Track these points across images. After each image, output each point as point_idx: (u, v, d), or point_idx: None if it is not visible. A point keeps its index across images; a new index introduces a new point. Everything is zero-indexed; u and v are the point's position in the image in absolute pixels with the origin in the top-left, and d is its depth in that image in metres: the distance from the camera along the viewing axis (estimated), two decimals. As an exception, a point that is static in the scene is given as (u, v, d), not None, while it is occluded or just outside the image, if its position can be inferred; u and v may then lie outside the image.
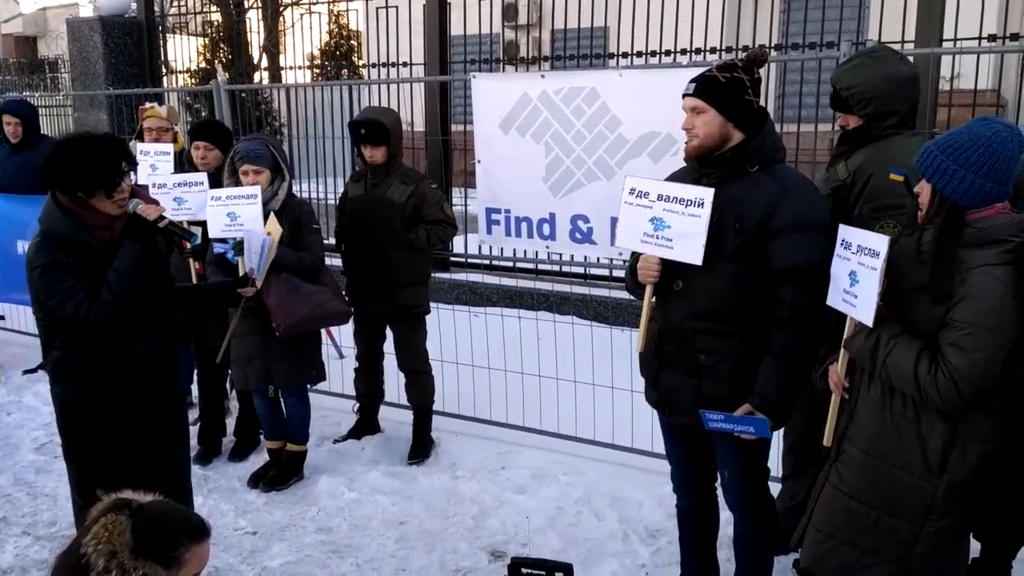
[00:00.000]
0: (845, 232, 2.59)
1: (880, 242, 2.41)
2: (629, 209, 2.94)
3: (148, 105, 5.60)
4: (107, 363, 3.07)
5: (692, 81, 2.81)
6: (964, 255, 2.32)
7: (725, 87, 2.75)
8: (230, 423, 5.01)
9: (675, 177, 3.01)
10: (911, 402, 2.41)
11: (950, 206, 2.34)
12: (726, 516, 3.26)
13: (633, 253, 3.06)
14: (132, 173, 3.07)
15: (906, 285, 2.41)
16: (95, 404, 3.09)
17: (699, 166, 2.85)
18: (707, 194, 2.74)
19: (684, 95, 2.82)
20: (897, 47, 5.54)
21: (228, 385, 5.15)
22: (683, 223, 2.78)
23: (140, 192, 3.25)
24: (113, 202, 2.98)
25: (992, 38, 6.00)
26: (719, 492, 3.22)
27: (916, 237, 2.45)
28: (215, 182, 4.46)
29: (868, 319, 2.43)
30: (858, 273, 2.48)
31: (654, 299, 2.95)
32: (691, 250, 2.76)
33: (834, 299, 2.61)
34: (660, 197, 2.85)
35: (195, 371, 4.95)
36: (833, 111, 3.39)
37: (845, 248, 2.57)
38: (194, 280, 4.54)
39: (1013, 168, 2.33)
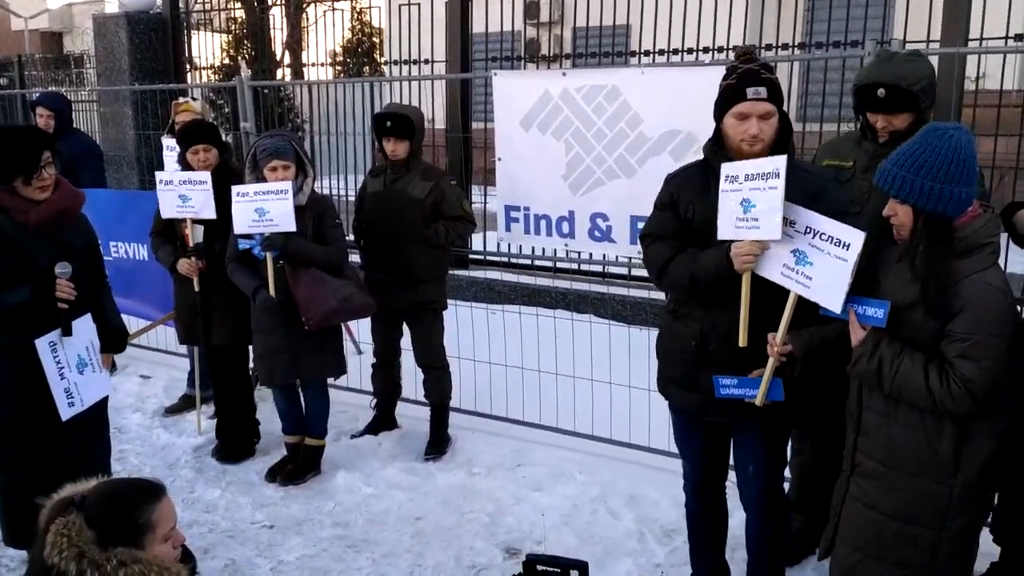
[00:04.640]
0: (787, 209, 2.63)
1: (854, 236, 2.49)
2: (725, 196, 2.79)
3: (182, 100, 5.60)
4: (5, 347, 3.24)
5: (758, 85, 2.71)
6: (954, 265, 2.36)
7: (781, 90, 2.76)
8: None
9: (688, 171, 3.00)
10: (916, 407, 2.43)
11: (937, 222, 2.36)
12: (736, 519, 3.27)
13: (648, 248, 3.02)
14: (54, 164, 3.20)
15: (898, 301, 2.43)
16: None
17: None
18: (780, 162, 2.62)
19: (752, 99, 2.72)
20: (922, 46, 5.50)
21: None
22: (764, 198, 2.66)
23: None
24: (34, 188, 3.12)
25: (1019, 38, 5.92)
26: (728, 494, 3.23)
27: (898, 254, 2.48)
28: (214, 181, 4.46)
29: (836, 307, 2.52)
30: (809, 255, 2.58)
31: (677, 299, 2.92)
32: (772, 226, 2.64)
33: (770, 271, 2.68)
34: (747, 177, 2.73)
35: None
36: (882, 112, 3.16)
37: (785, 224, 2.63)
38: (195, 280, 4.57)
39: (977, 166, 2.39)
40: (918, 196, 2.35)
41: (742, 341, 2.75)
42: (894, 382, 2.40)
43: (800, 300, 2.66)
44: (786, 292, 2.69)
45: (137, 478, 2.06)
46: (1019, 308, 5.15)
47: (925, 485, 2.45)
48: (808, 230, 2.61)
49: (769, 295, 2.72)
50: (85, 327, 3.31)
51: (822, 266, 2.55)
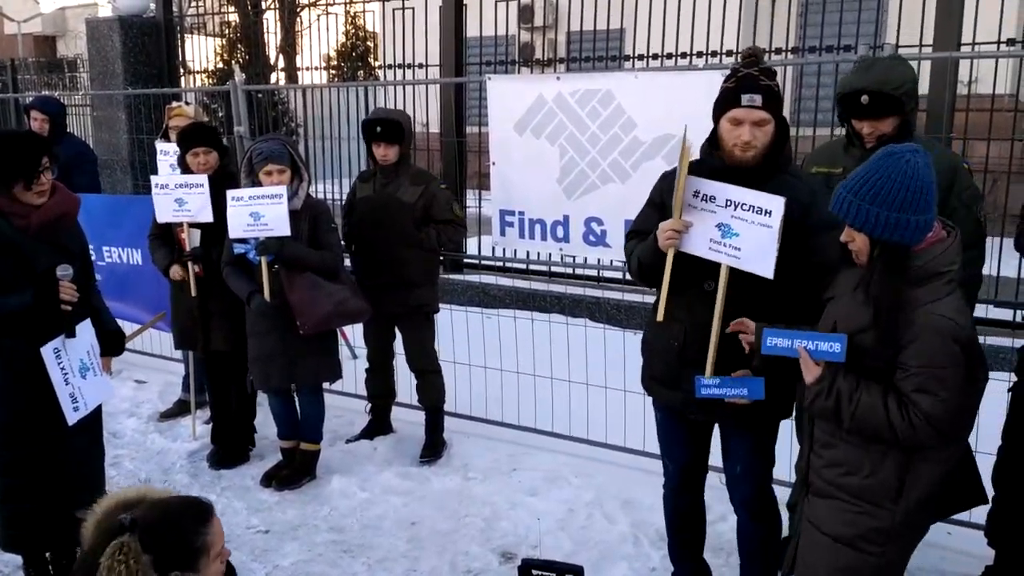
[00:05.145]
0: (698, 184, 2.75)
1: (775, 202, 2.61)
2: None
3: (175, 104, 5.58)
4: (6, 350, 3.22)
5: (754, 93, 2.71)
6: (909, 294, 2.30)
7: (780, 96, 2.76)
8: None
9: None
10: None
11: (894, 250, 2.29)
12: (729, 522, 3.27)
13: (627, 244, 3.05)
14: (53, 169, 3.20)
15: (852, 325, 2.39)
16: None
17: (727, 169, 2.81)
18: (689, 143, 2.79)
19: (747, 106, 2.72)
20: (915, 51, 5.53)
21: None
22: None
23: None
24: (33, 193, 3.13)
25: (1011, 42, 5.96)
26: (719, 496, 3.24)
27: (855, 280, 2.44)
28: (212, 184, 4.45)
29: (767, 272, 2.65)
30: (734, 227, 2.69)
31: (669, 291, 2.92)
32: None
33: (696, 248, 2.76)
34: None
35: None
36: (867, 118, 3.18)
37: (705, 200, 2.74)
38: (192, 284, 4.55)
39: (935, 191, 2.30)
40: (873, 226, 2.27)
41: (659, 317, 2.85)
42: (854, 418, 2.34)
43: (778, 296, 2.70)
44: (761, 286, 2.71)
45: (187, 496, 2.04)
46: (1014, 312, 5.19)
47: (869, 509, 2.40)
48: (729, 203, 2.71)
49: (745, 291, 2.74)
50: (85, 331, 3.31)
51: (748, 235, 2.67)
